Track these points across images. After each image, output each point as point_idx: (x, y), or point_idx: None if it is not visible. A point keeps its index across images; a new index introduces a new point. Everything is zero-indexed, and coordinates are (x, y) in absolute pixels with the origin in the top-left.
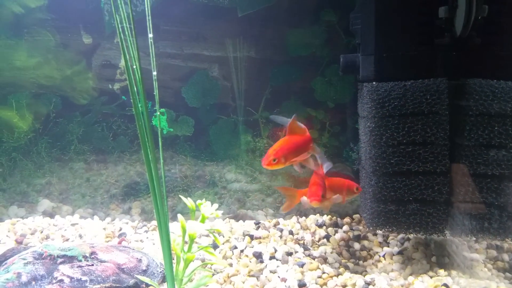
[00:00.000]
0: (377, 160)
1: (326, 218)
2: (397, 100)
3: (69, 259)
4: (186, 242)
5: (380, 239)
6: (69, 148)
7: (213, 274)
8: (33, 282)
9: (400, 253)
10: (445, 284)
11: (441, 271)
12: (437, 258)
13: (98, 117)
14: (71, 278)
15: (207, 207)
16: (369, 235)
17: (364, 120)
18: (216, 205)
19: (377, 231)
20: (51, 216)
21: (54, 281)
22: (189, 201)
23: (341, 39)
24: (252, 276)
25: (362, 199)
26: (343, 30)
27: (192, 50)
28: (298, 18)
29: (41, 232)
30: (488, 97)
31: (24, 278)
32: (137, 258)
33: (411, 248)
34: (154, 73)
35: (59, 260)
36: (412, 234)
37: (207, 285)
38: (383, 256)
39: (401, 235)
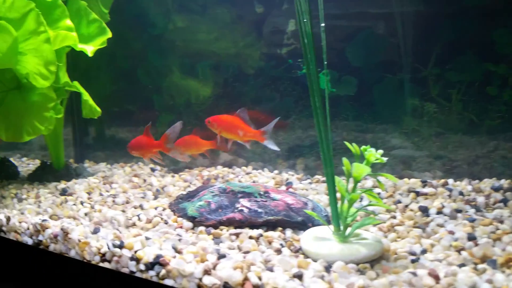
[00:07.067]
0: None
1: (504, 182)
2: None
3: (247, 195)
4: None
5: None
6: None
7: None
8: (219, 210)
9: None
10: None
11: None
12: None
13: (267, 80)
14: (249, 209)
15: (372, 153)
16: None
17: None
18: (381, 151)
19: None
20: (229, 166)
21: (235, 210)
22: (354, 147)
23: None
24: (417, 227)
25: None
26: None
27: (357, 9)
28: None
29: (222, 177)
30: None
31: (212, 206)
32: (303, 201)
33: None
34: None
35: (239, 195)
36: None
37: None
38: None
39: None
